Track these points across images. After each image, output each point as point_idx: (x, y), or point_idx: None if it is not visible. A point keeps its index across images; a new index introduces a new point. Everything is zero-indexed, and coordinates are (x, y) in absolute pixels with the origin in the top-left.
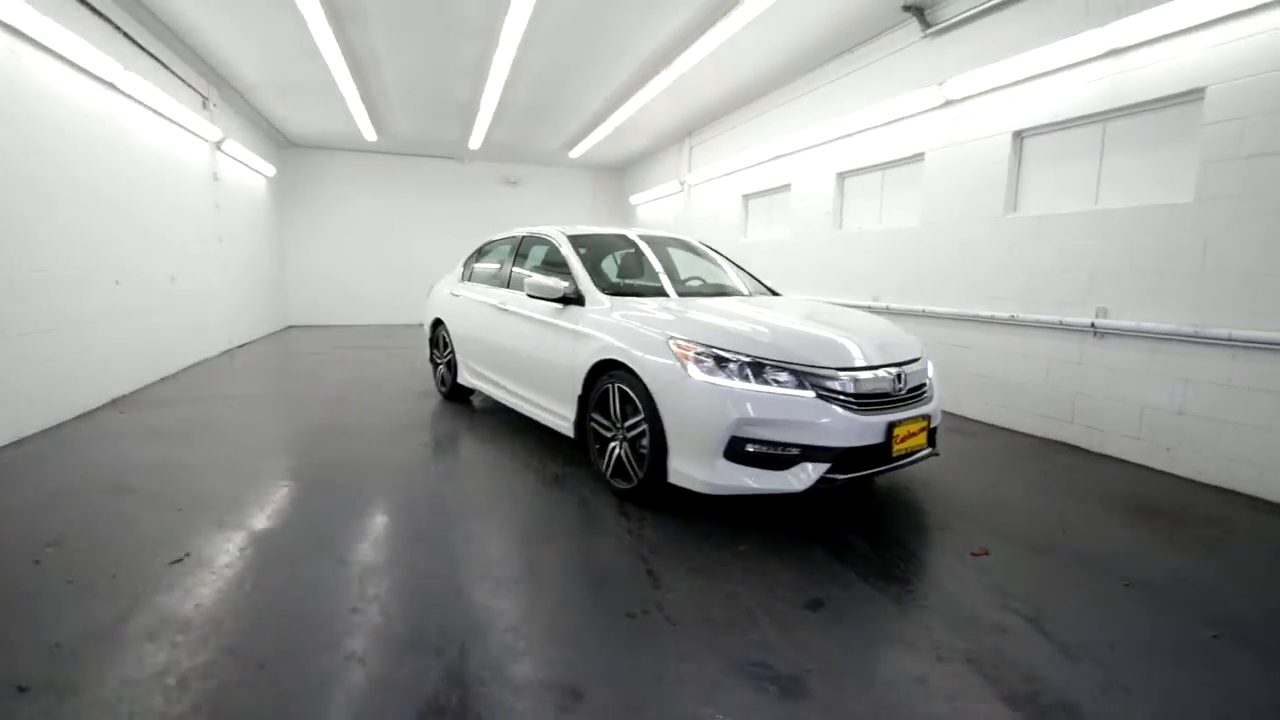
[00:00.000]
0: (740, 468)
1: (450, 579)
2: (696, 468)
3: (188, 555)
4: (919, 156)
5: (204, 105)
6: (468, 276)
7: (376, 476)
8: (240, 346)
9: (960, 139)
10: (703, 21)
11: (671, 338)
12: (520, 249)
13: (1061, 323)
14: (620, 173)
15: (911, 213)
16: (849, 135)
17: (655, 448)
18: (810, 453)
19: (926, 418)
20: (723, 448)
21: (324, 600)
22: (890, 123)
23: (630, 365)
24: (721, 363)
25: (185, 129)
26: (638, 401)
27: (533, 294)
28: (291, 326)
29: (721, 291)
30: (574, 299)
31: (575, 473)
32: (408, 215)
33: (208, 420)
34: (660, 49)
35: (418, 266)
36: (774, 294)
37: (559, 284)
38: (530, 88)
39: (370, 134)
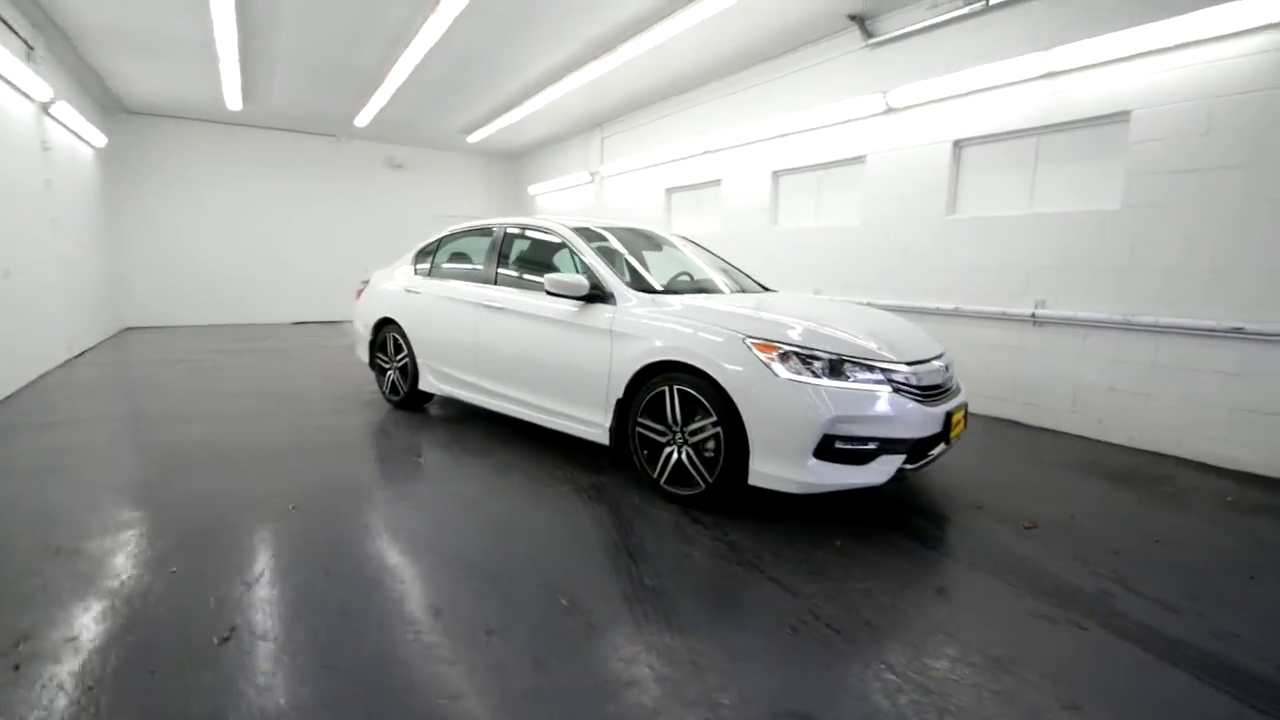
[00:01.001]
0: (829, 465)
1: (576, 619)
2: (786, 468)
3: (234, 630)
4: (860, 159)
5: (29, 57)
6: (427, 271)
7: (384, 508)
8: (80, 355)
9: (902, 144)
10: (657, 12)
11: (749, 337)
12: (503, 243)
13: (1004, 313)
14: (515, 160)
15: (853, 212)
16: (786, 135)
17: (731, 450)
18: (889, 446)
19: (965, 404)
20: (814, 446)
21: (457, 664)
22: (831, 125)
23: (699, 366)
24: (806, 361)
25: (12, 86)
26: (707, 404)
27: (554, 291)
28: (130, 329)
29: (702, 288)
30: (598, 297)
31: (612, 481)
32: (272, 200)
33: (106, 450)
34: (602, 36)
35: (284, 258)
36: (765, 289)
37: (582, 280)
38: (450, 64)
39: (235, 103)
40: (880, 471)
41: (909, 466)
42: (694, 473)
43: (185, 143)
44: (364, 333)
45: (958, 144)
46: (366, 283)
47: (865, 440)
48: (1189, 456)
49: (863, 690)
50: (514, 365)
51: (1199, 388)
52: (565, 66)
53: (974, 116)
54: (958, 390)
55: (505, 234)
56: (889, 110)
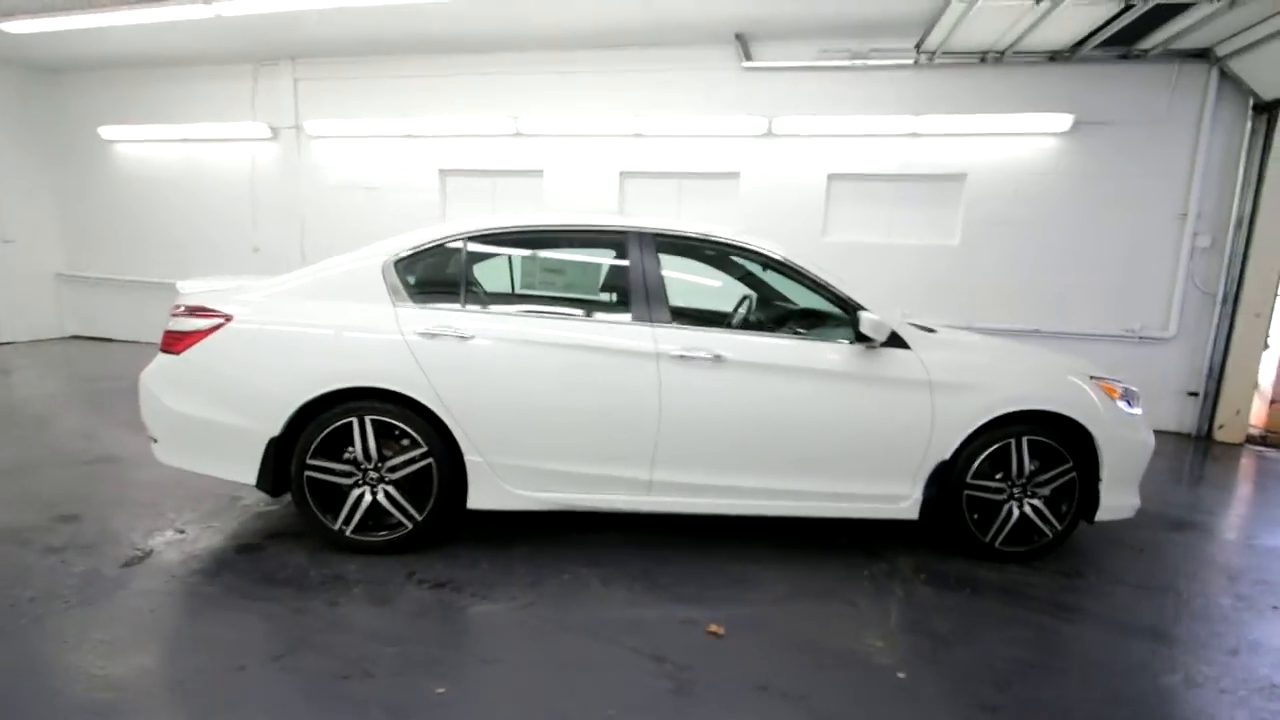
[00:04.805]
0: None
1: None
2: (1127, 497)
3: None
4: (734, 174)
5: None
6: (459, 302)
7: None
8: None
9: (779, 168)
10: None
11: (1092, 377)
12: (653, 260)
13: None
14: (59, 76)
15: (723, 225)
16: (642, 136)
17: (1085, 490)
18: None
19: None
20: (1143, 472)
21: None
22: (701, 136)
23: (1066, 413)
24: (1128, 396)
25: None
26: (1061, 449)
27: (869, 336)
28: None
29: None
30: (876, 339)
31: (915, 559)
32: None
33: None
34: None
35: None
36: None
37: (883, 321)
38: None
39: None
40: None
41: None
42: (1041, 525)
43: None
44: (245, 424)
45: (831, 176)
46: (203, 315)
47: None
48: None
49: None
50: (751, 443)
51: None
52: None
53: (848, 156)
54: None
55: (655, 246)
56: (769, 134)
